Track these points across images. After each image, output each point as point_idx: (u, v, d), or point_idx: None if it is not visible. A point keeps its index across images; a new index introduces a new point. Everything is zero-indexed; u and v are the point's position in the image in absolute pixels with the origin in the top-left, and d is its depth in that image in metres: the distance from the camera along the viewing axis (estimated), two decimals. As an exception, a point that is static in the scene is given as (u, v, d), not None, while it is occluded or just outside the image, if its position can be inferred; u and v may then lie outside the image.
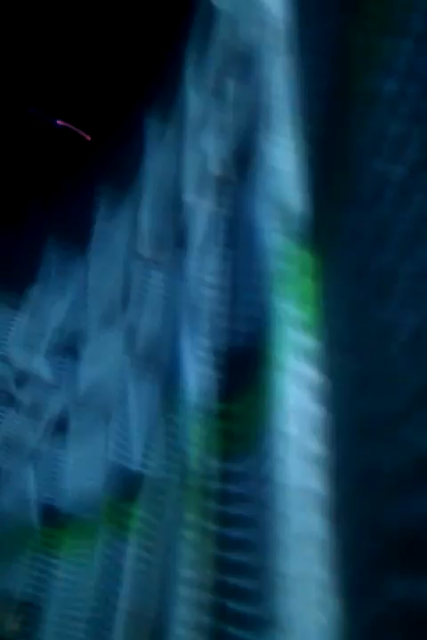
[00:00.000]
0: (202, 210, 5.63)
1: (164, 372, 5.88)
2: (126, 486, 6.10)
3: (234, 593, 3.52)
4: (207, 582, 3.90)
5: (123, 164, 9.20)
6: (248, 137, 4.79)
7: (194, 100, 6.72)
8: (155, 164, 7.80)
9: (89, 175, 9.94)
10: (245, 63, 5.01)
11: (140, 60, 8.83)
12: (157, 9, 8.30)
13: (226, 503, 3.99)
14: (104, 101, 9.64)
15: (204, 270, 5.10)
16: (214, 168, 5.34)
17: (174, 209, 6.54)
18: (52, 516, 7.47)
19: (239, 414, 4.08)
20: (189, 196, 6.13)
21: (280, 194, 3.79)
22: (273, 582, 3.23)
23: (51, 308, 9.86)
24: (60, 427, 8.14)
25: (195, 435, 4.72)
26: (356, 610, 2.46)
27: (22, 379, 10.08)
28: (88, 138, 9.98)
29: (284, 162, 3.81)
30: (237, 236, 4.64)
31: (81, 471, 7.14)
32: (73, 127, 9.83)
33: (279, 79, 3.95)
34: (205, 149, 5.81)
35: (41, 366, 9.84)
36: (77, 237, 9.66)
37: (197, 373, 4.94)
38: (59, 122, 9.87)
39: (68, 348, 8.85)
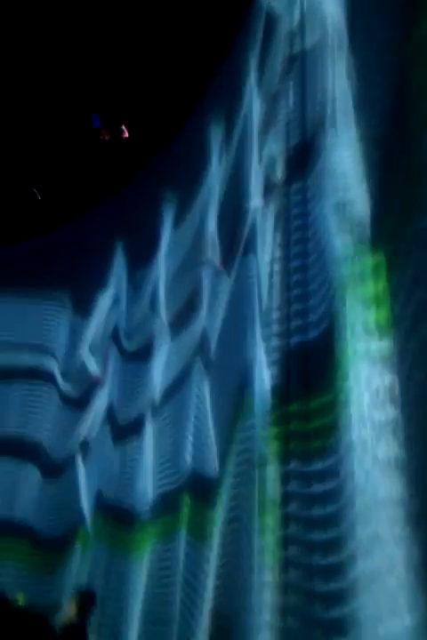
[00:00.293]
0: (268, 215, 5.64)
1: (237, 375, 5.92)
2: (205, 490, 6.18)
3: (318, 597, 3.55)
4: (286, 585, 3.94)
5: (188, 170, 9.30)
6: (311, 140, 4.78)
7: (257, 104, 6.74)
8: (220, 169, 7.85)
9: (155, 181, 10.11)
10: (306, 67, 5.00)
11: (202, 65, 8.92)
12: (217, 13, 8.36)
13: (304, 504, 4.01)
14: (167, 107, 9.79)
15: (272, 275, 5.12)
16: (279, 172, 5.34)
17: (241, 214, 6.56)
18: (129, 518, 7.61)
19: (314, 415, 4.08)
20: (255, 201, 6.14)
21: (345, 196, 3.79)
22: (355, 582, 3.26)
23: (114, 309, 10.12)
24: (133, 428, 8.30)
25: (270, 436, 4.76)
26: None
27: (69, 372, 10.35)
28: (126, 134, 10.09)
29: (348, 164, 3.81)
30: (305, 240, 4.64)
31: (160, 475, 7.25)
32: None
33: (340, 82, 3.95)
34: (270, 154, 5.81)
35: (90, 362, 10.05)
36: (145, 243, 9.84)
37: (269, 376, 4.97)
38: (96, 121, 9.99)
39: (139, 352, 9.01)
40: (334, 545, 3.54)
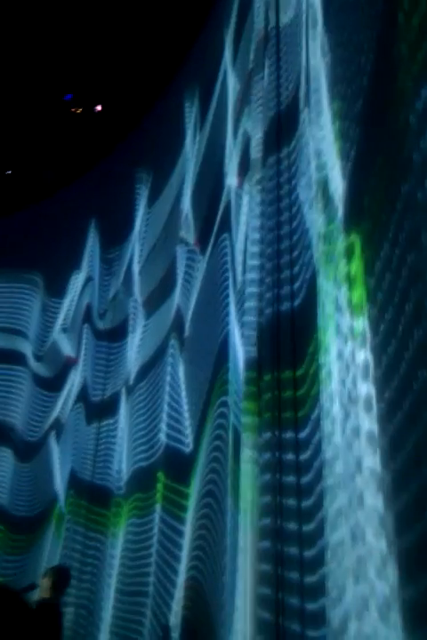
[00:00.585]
0: (243, 193, 5.62)
1: (211, 353, 5.93)
2: (180, 467, 6.22)
3: (292, 563, 3.61)
4: (265, 553, 3.99)
5: (162, 148, 9.22)
6: (286, 118, 4.78)
7: (232, 82, 6.70)
8: (194, 148, 7.81)
9: (129, 159, 10.02)
10: (281, 45, 4.98)
11: (176, 41, 8.85)
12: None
13: (282, 472, 4.03)
14: (141, 84, 9.70)
15: (249, 252, 5.12)
16: (254, 151, 5.32)
17: (215, 193, 6.54)
18: (105, 495, 7.64)
19: (287, 387, 4.11)
20: (230, 180, 6.12)
21: (320, 175, 3.79)
22: (325, 552, 3.32)
23: (87, 289, 10.03)
24: (108, 407, 8.30)
25: (245, 410, 4.79)
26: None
27: (42, 354, 10.29)
28: (99, 108, 9.99)
29: (323, 143, 3.80)
30: (280, 218, 4.64)
31: (134, 452, 7.27)
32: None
33: (315, 60, 3.93)
34: (245, 132, 5.79)
35: (63, 342, 9.99)
36: (119, 222, 9.77)
37: (244, 352, 4.98)
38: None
39: (113, 331, 8.97)
40: (307, 514, 3.60)
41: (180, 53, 8.94)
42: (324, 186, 3.70)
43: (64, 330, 10.29)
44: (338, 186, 3.43)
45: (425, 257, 2.40)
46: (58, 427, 9.30)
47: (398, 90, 2.76)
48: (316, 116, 4.01)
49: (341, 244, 3.33)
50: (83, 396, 9.08)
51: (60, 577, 5.19)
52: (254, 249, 4.90)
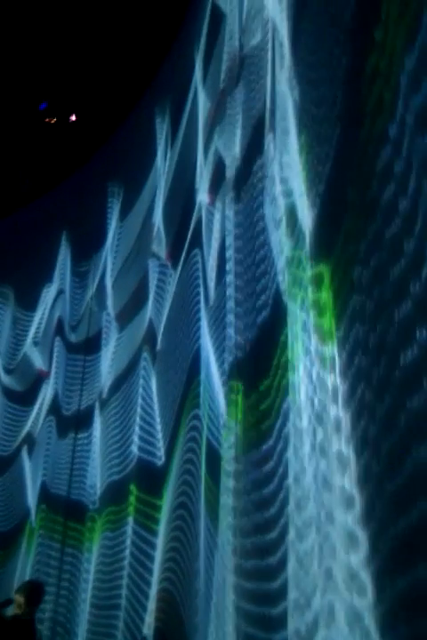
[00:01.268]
0: (214, 211, 5.72)
1: (183, 367, 6.01)
2: (152, 479, 6.27)
3: (258, 575, 3.70)
4: (237, 565, 4.06)
5: (133, 162, 9.29)
6: (254, 142, 4.87)
7: (202, 100, 6.81)
8: (165, 163, 7.89)
9: (100, 172, 10.05)
10: (249, 69, 5.08)
11: (147, 56, 8.95)
12: (162, 5, 8.42)
13: (254, 487, 4.11)
14: (112, 98, 9.77)
15: (218, 269, 5.22)
16: (225, 170, 5.43)
17: (187, 209, 6.63)
18: (79, 510, 7.64)
19: (259, 402, 4.19)
20: (202, 197, 6.22)
21: (288, 201, 3.85)
22: (289, 560, 3.40)
23: (59, 302, 10.03)
24: (80, 421, 8.29)
25: (215, 423, 4.86)
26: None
27: (13, 367, 10.17)
28: (73, 118, 10.03)
29: (289, 170, 3.88)
30: (249, 238, 4.73)
31: (108, 466, 7.30)
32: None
33: (285, 90, 4.01)
34: (216, 152, 5.88)
35: (34, 355, 9.97)
36: (90, 235, 9.78)
37: (216, 367, 5.07)
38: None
39: (85, 344, 8.97)
40: (271, 525, 3.67)
41: (151, 68, 9.04)
42: (290, 212, 3.76)
43: (35, 343, 10.24)
44: (306, 215, 3.47)
45: (392, 292, 2.46)
46: (30, 441, 9.26)
47: (366, 131, 2.81)
48: (282, 145, 4.08)
49: (309, 271, 3.37)
50: (54, 409, 9.05)
51: (34, 592, 5.18)
52: (226, 266, 4.99)
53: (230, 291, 4.88)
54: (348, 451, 2.73)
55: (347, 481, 2.70)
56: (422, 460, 2.13)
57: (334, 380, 2.90)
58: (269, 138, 4.35)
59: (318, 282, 3.18)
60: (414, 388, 2.19)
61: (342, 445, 2.77)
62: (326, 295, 3.08)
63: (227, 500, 4.09)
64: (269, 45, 4.50)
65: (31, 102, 10.21)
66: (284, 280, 3.78)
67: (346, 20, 2.96)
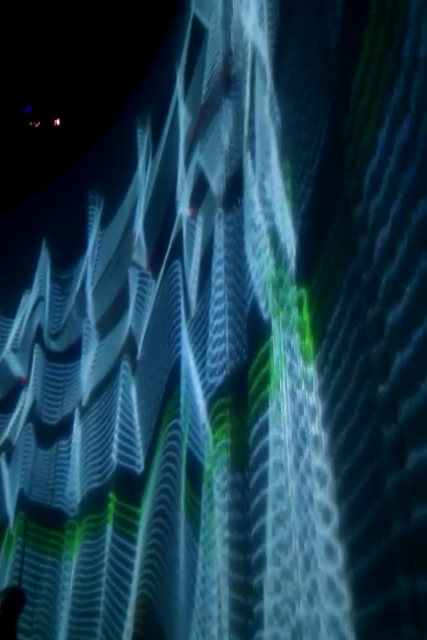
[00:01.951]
0: (196, 225, 5.82)
1: (163, 377, 6.09)
2: (131, 487, 6.33)
3: (237, 586, 3.79)
4: (218, 573, 4.14)
5: (114, 170, 9.35)
6: (235, 164, 4.95)
7: (183, 113, 6.91)
8: (146, 173, 7.98)
9: (80, 179, 10.09)
10: (235, 90, 5.18)
11: (129, 65, 9.04)
12: (144, 16, 8.52)
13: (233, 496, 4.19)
14: (93, 106, 9.83)
15: (202, 282, 5.31)
16: (207, 187, 5.53)
17: (168, 220, 6.72)
18: (58, 518, 7.67)
19: (242, 415, 4.27)
20: (183, 209, 6.31)
21: (272, 225, 3.92)
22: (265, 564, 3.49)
23: (38, 309, 10.03)
24: (60, 428, 8.32)
25: (196, 435, 4.95)
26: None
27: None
28: (57, 122, 10.06)
29: (275, 197, 3.95)
30: (232, 255, 4.81)
31: (87, 474, 7.34)
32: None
33: (266, 117, 4.08)
34: (197, 166, 5.98)
35: (13, 362, 9.95)
36: (70, 242, 9.81)
37: (201, 379, 5.13)
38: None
39: (65, 352, 9.00)
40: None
41: (132, 79, 9.14)
42: (273, 235, 3.84)
43: (14, 350, 10.24)
44: (289, 239, 3.55)
45: (368, 329, 2.54)
46: (8, 448, 9.25)
47: (348, 163, 2.86)
48: (265, 168, 4.15)
49: (292, 294, 3.46)
50: (33, 416, 9.05)
51: (14, 600, 5.18)
52: (207, 281, 5.08)
53: (210, 305, 4.96)
54: (325, 467, 2.83)
55: (325, 496, 2.80)
56: (395, 479, 2.24)
57: (314, 399, 3.00)
58: (248, 161, 4.46)
59: (300, 305, 3.28)
60: (387, 413, 2.29)
61: (320, 461, 2.87)
62: (306, 318, 3.19)
63: (222, 516, 4.16)
64: (249, 67, 4.61)
65: (16, 105, 10.22)
66: (267, 299, 3.86)
67: (331, 48, 3.06)
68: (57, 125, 10.54)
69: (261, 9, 4.31)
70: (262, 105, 4.13)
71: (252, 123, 4.41)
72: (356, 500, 2.58)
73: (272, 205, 3.81)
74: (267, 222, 3.90)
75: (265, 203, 3.95)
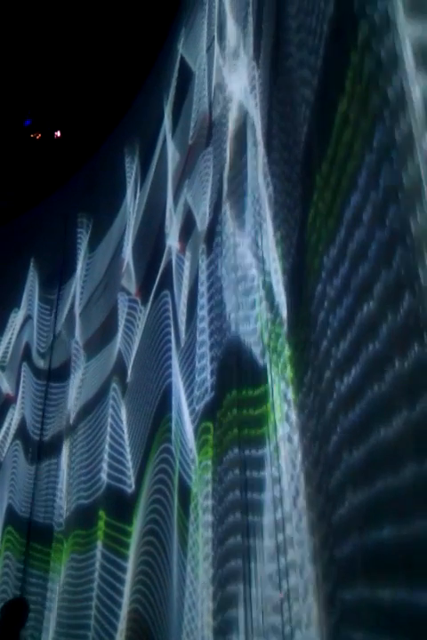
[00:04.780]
0: (184, 259, 6.12)
1: (153, 401, 6.37)
2: (122, 506, 6.61)
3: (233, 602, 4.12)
4: (209, 591, 4.44)
5: (103, 195, 9.61)
6: (217, 213, 5.29)
7: (171, 149, 7.20)
8: (136, 202, 8.25)
9: (68, 201, 10.32)
10: (219, 137, 5.49)
11: (119, 91, 9.30)
12: (133, 44, 8.80)
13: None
14: (82, 130, 10.07)
15: (190, 315, 5.61)
16: (195, 224, 5.85)
17: (157, 250, 7.00)
18: (46, 533, 7.88)
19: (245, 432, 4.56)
20: (172, 242, 6.60)
21: (268, 281, 4.15)
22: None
23: (26, 328, 10.20)
24: (48, 446, 8.52)
25: (186, 458, 5.24)
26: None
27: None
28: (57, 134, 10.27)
29: (269, 256, 4.17)
30: (212, 292, 5.14)
31: (75, 490, 7.59)
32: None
33: (259, 179, 4.35)
34: (186, 204, 6.28)
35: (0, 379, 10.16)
36: (59, 263, 9.99)
37: (188, 407, 5.43)
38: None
39: (53, 371, 9.20)
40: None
41: (121, 106, 9.40)
42: (268, 291, 4.11)
43: (2, 367, 10.43)
44: (282, 298, 3.86)
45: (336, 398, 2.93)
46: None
47: (313, 244, 3.18)
48: (258, 226, 4.41)
49: (287, 350, 3.77)
50: (21, 433, 9.27)
51: (19, 611, 5.14)
52: (195, 316, 5.40)
53: (204, 336, 5.27)
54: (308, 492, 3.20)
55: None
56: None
57: (297, 437, 3.38)
58: (225, 206, 4.78)
59: (288, 359, 3.64)
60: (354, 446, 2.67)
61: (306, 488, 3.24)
62: (289, 370, 3.56)
63: (205, 533, 4.48)
64: (229, 119, 4.91)
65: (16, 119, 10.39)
66: (264, 346, 4.16)
67: (305, 130, 3.40)
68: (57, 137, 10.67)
69: (252, 79, 4.64)
70: (256, 170, 4.42)
71: (233, 168, 4.69)
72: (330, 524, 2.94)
73: (267, 264, 4.09)
74: (261, 277, 4.20)
75: (261, 259, 4.24)
